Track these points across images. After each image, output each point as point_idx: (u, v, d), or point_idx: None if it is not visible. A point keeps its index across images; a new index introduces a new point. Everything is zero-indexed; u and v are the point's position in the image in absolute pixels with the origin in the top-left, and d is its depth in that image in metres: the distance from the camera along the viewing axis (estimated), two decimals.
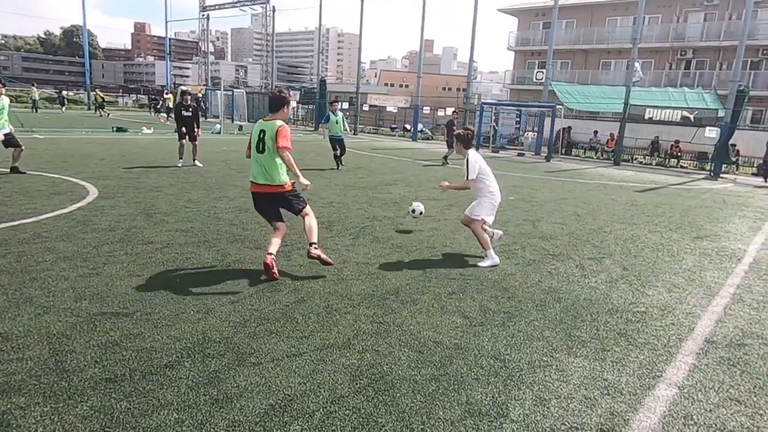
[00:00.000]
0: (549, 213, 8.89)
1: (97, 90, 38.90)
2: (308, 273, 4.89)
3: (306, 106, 36.30)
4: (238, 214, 7.22)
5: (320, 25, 32.65)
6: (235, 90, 37.96)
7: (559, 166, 19.10)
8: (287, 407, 2.73)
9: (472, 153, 5.50)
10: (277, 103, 4.70)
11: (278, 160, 4.62)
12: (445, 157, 16.59)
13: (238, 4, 43.34)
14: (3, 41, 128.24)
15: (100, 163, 11.56)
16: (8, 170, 9.46)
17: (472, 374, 3.20)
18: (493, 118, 25.31)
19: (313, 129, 31.83)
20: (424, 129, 30.54)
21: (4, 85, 9.48)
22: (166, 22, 42.68)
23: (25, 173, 9.42)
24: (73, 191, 8.14)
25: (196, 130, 12.12)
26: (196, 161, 12.17)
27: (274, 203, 4.81)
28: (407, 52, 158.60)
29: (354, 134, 30.17)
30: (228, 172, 11.49)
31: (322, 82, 33.11)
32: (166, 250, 5.34)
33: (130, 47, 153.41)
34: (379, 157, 17.54)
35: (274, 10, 38.37)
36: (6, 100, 9.38)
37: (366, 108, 33.06)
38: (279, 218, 4.81)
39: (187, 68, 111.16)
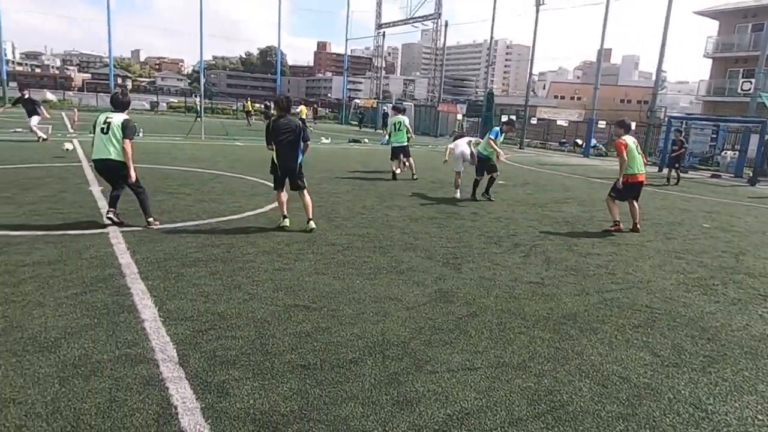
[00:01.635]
0: (756, 245, 7.65)
1: (248, 99, 38.53)
2: (479, 286, 4.87)
3: (472, 119, 36.42)
4: (409, 223, 7.50)
5: (491, 37, 32.52)
6: (403, 103, 39.69)
7: (765, 191, 16.34)
8: (464, 420, 2.74)
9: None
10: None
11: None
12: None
13: (410, 21, 45.28)
14: (213, 62, 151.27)
15: None
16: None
17: (667, 420, 2.88)
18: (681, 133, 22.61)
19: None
20: (597, 144, 28.53)
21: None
22: (347, 40, 46.34)
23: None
24: (268, 194, 9.22)
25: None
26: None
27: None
28: (581, 62, 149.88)
29: (520, 148, 29.39)
30: (396, 182, 12.00)
31: (490, 95, 32.92)
32: (347, 252, 5.75)
33: (312, 64, 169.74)
34: (547, 173, 16.83)
35: (446, 25, 39.18)
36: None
37: (534, 121, 32.00)
38: None
39: (360, 82, 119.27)
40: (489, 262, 5.75)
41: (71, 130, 19.28)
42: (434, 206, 9.14)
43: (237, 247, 5.69)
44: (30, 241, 5.38)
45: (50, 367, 2.99)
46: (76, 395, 2.74)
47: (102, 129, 6.10)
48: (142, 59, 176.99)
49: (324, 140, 23.91)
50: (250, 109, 35.33)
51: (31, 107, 15.20)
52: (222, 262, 5.10)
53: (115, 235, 5.82)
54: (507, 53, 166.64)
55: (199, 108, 26.57)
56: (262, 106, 31.23)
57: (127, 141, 6.05)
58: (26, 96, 15.30)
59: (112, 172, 6.21)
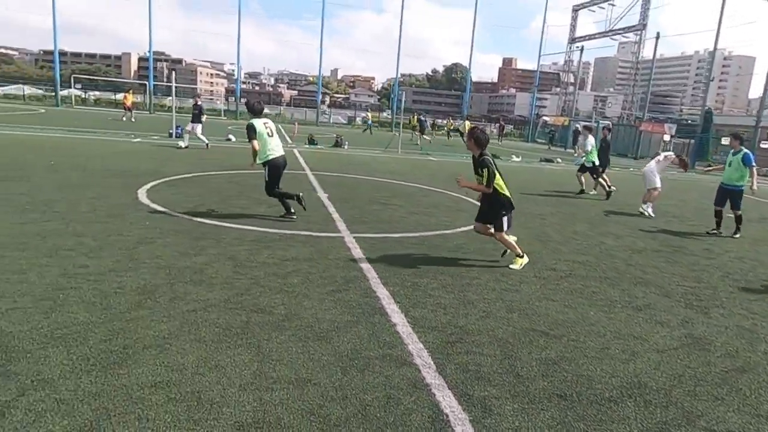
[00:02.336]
0: None
1: (415, 114, 37.04)
2: (739, 337, 4.27)
3: (683, 140, 32.50)
4: (631, 254, 6.94)
5: (715, 48, 28.63)
6: (600, 122, 37.13)
7: None
8: None
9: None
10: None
11: None
12: None
13: (609, 34, 42.34)
14: (401, 79, 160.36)
15: None
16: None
17: None
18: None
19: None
20: None
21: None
22: (540, 55, 45.15)
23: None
24: (472, 211, 9.37)
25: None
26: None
27: None
28: None
29: None
30: (603, 206, 11.24)
31: (708, 114, 29.02)
32: (571, 280, 5.54)
33: (496, 80, 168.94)
34: None
35: (657, 37, 35.73)
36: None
37: (765, 146, 27.32)
38: None
39: (545, 98, 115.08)
40: (744, 310, 5.02)
41: (290, 142, 22.01)
42: (655, 237, 8.33)
43: (458, 262, 5.86)
44: (285, 239, 6.24)
45: (330, 356, 3.40)
46: (357, 386, 3.06)
47: (268, 133, 7.18)
48: (339, 77, 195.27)
49: (515, 158, 23.54)
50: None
51: (197, 113, 16.11)
52: (449, 276, 5.29)
53: (349, 240, 6.44)
54: (724, 65, 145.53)
55: (393, 123, 28.15)
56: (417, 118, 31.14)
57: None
58: (198, 103, 16.71)
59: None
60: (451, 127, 36.62)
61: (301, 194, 7.60)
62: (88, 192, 7.99)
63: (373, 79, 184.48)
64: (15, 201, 6.96)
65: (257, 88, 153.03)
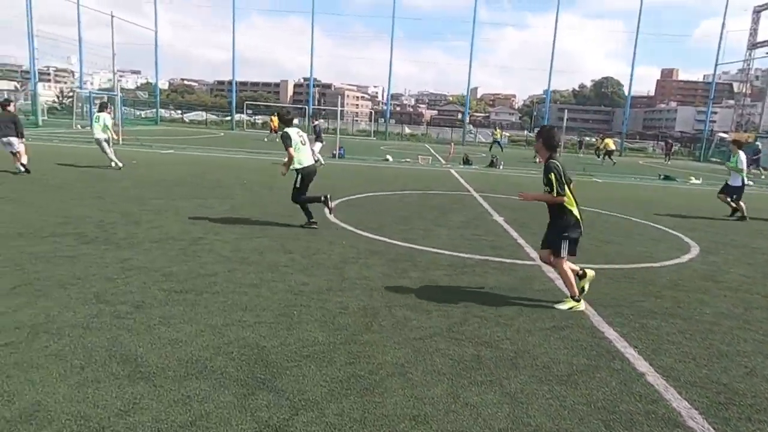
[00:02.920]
0: None
1: (602, 135, 34.47)
2: None
3: None
4: None
5: None
6: None
7: None
8: None
9: None
10: None
11: None
12: None
13: None
14: (543, 95, 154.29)
15: (669, 214, 11.64)
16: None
17: None
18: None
19: None
20: None
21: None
22: (716, 64, 40.20)
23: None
24: (674, 241, 8.38)
25: None
26: None
27: None
28: None
29: None
30: None
31: None
32: None
33: (652, 93, 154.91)
34: None
35: None
36: None
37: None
38: None
39: (715, 112, 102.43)
40: None
41: (444, 162, 22.10)
42: None
43: (681, 302, 5.15)
44: (479, 264, 6.05)
45: (584, 406, 3.07)
46: None
47: (302, 142, 7.39)
48: (478, 96, 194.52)
49: (693, 180, 21.01)
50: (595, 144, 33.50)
51: (317, 134, 17.22)
52: (681, 319, 4.64)
53: (547, 268, 6.05)
54: None
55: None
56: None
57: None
58: (316, 123, 18.73)
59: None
60: (601, 146, 33.65)
61: (328, 195, 7.65)
62: (281, 210, 8.62)
63: (514, 96, 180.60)
64: (220, 218, 7.70)
65: (398, 108, 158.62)
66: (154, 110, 44.24)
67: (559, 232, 4.69)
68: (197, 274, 5.02)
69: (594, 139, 41.80)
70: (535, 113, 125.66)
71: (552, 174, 4.52)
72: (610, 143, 29.37)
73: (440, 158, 24.26)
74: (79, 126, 29.66)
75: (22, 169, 10.84)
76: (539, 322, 4.35)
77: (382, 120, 49.24)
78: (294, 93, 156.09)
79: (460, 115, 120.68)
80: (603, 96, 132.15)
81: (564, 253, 4.68)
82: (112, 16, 34.84)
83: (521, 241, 7.46)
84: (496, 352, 3.74)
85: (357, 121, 70.81)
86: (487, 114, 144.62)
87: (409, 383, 3.20)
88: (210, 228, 6.98)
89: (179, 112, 55.09)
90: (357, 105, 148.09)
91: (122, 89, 33.72)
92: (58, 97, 51.89)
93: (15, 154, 10.92)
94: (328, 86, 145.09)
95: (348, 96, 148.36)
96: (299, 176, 7.42)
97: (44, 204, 7.90)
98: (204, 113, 53.54)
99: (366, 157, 22.36)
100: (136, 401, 2.81)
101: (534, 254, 6.69)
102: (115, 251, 5.60)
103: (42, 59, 29.03)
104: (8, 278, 4.55)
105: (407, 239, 7.03)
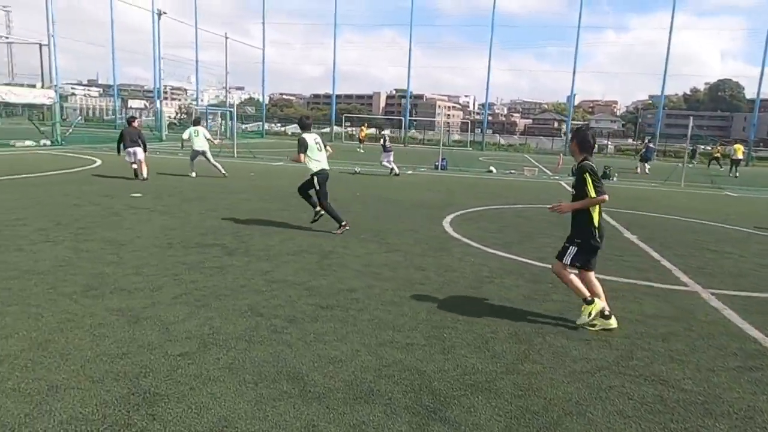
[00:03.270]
0: None
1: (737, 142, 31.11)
2: None
3: None
4: None
5: None
6: None
7: None
8: None
9: None
10: None
11: None
12: None
13: None
14: (650, 101, 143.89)
15: None
16: None
17: None
18: None
19: None
20: None
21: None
22: None
23: None
24: None
25: None
26: None
27: None
28: None
29: None
30: None
31: None
32: None
33: None
34: None
35: None
36: None
37: None
38: None
39: None
40: None
41: (552, 174, 21.20)
42: None
43: None
44: (629, 289, 5.55)
45: None
46: None
47: (318, 148, 7.66)
48: (576, 103, 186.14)
49: None
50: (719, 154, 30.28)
51: (385, 145, 17.66)
52: None
53: (707, 296, 5.43)
54: None
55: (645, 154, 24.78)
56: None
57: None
58: (382, 132, 18.34)
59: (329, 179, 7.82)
60: (716, 154, 30.19)
61: (346, 223, 7.76)
62: (401, 224, 8.58)
63: (615, 103, 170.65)
64: (347, 231, 7.78)
65: (490, 117, 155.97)
66: (259, 124, 46.95)
67: (571, 238, 4.39)
68: (338, 289, 5.05)
69: (710, 148, 38.00)
70: (640, 120, 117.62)
71: (587, 174, 4.20)
72: (740, 151, 26.45)
73: (547, 169, 23.31)
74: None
75: (145, 176, 12.34)
76: (719, 360, 3.85)
77: (477, 130, 48.58)
78: (386, 104, 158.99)
79: (556, 124, 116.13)
80: (719, 100, 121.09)
81: (567, 259, 4.33)
82: (226, 38, 37.57)
83: (666, 263, 6.80)
84: (681, 393, 3.33)
85: (449, 131, 70.49)
86: (587, 122, 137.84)
87: (592, 426, 2.91)
88: (338, 241, 7.08)
89: (280, 125, 57.99)
90: (449, 115, 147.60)
91: (232, 105, 36.21)
92: (176, 114, 56.76)
93: (136, 165, 12.42)
94: (420, 97, 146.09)
95: (440, 106, 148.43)
96: (315, 179, 7.68)
97: (186, 215, 8.48)
98: None
99: (468, 168, 22.01)
100: (314, 424, 2.79)
101: (685, 278, 6.07)
102: (256, 263, 5.82)
103: (162, 79, 31.68)
104: (169, 288, 4.84)
105: (539, 258, 6.66)
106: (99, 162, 16.50)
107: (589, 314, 4.27)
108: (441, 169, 19.84)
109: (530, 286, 5.46)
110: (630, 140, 70.84)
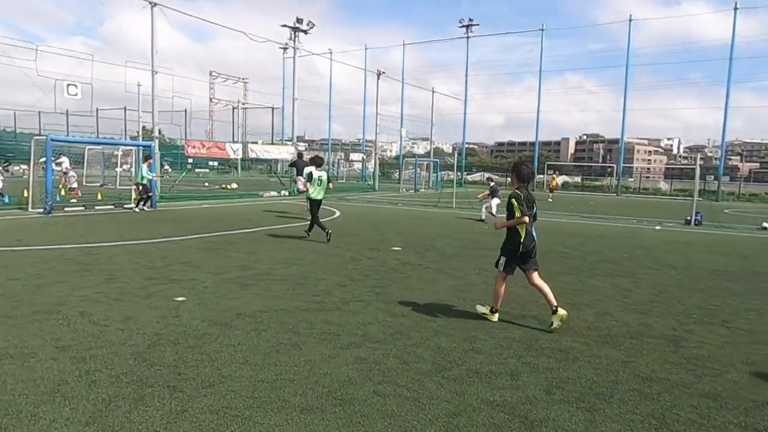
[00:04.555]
0: None
1: None
2: None
3: None
4: None
5: None
6: None
7: None
8: None
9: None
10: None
11: None
12: None
13: None
14: None
15: None
16: None
17: None
18: None
19: None
20: None
21: None
22: None
23: None
24: None
25: None
26: None
27: None
28: None
29: None
30: None
31: None
32: None
33: None
34: None
35: None
36: None
37: None
38: None
39: None
40: None
41: None
42: None
43: None
44: None
45: None
46: None
47: (318, 183, 11.08)
48: None
49: None
50: None
51: (493, 191, 16.70)
52: None
53: None
54: None
55: None
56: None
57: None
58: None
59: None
60: None
61: (330, 232, 10.80)
62: (693, 298, 6.94)
63: None
64: (665, 301, 6.43)
65: (701, 162, 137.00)
66: (452, 173, 47.42)
67: (504, 247, 5.59)
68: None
69: None
70: None
71: (513, 200, 5.39)
72: None
73: None
74: (404, 189, 33.74)
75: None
76: None
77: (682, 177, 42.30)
78: (575, 150, 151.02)
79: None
80: None
81: (500, 267, 5.57)
82: (433, 92, 39.25)
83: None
84: None
85: (648, 177, 62.63)
86: None
87: None
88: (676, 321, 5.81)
89: (466, 173, 57.86)
90: (649, 160, 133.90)
91: (434, 155, 37.34)
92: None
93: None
94: (615, 141, 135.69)
95: (638, 150, 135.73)
96: (309, 203, 11.31)
97: (463, 274, 8.05)
98: (485, 173, 54.95)
99: (730, 224, 18.26)
100: None
101: None
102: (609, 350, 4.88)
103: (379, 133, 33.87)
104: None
105: None
106: (337, 213, 17.64)
107: (484, 312, 5.72)
108: (695, 224, 16.94)
109: None
110: None
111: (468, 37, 42.13)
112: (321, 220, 11.14)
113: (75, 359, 4.26)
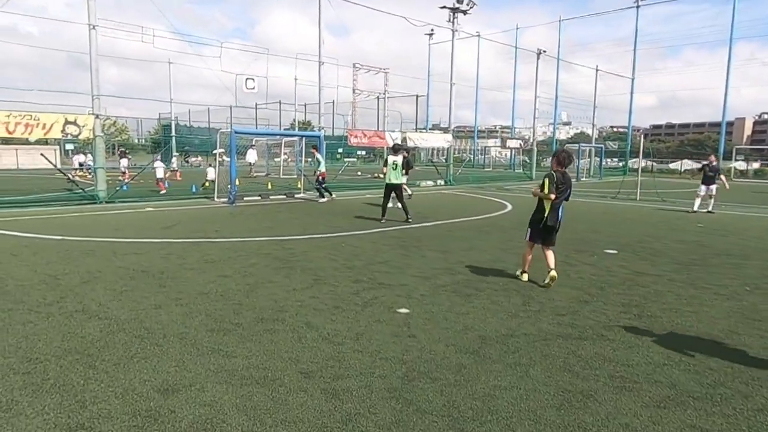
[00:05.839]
0: None
1: None
2: None
3: None
4: None
5: None
6: None
7: None
8: None
9: None
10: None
11: None
12: None
13: None
14: None
15: None
16: None
17: None
18: None
19: None
20: None
21: None
22: None
23: None
24: None
25: None
26: None
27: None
28: None
29: None
30: None
31: None
32: None
33: None
34: None
35: None
36: None
37: None
38: None
39: None
40: None
41: None
42: None
43: None
44: None
45: None
46: None
47: (393, 167, 11.58)
48: None
49: None
50: None
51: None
52: None
53: None
54: None
55: None
56: None
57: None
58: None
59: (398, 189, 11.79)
60: None
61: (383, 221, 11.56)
62: None
63: None
64: None
65: None
66: (615, 160, 42.87)
67: (531, 219, 6.53)
68: None
69: None
70: None
71: (546, 179, 6.22)
72: None
73: None
74: None
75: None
76: None
77: None
78: (753, 131, 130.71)
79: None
80: None
81: (526, 236, 6.60)
82: (597, 70, 35.52)
83: None
84: None
85: None
86: None
87: None
88: None
89: (617, 160, 52.01)
90: None
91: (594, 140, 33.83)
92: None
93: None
94: None
95: None
96: (385, 186, 11.76)
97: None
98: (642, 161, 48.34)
99: None
100: None
101: None
102: None
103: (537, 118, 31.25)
104: None
105: None
106: (509, 206, 16.22)
107: (519, 275, 6.70)
108: None
109: None
110: None
111: (638, 6, 37.26)
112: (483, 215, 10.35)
113: (326, 393, 3.56)
